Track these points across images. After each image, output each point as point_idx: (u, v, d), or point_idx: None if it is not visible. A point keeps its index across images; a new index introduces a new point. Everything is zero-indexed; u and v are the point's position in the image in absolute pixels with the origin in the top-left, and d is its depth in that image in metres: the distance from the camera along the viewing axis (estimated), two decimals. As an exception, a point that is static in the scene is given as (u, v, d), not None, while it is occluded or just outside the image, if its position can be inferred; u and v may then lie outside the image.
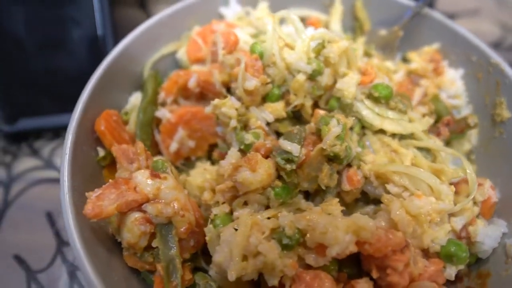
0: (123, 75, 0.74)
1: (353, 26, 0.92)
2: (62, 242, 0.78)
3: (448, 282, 0.62)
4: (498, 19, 1.29)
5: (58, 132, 0.97)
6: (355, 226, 0.48)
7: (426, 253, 0.54)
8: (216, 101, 0.63)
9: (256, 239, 0.50)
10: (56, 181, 0.89)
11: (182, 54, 0.83)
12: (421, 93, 0.79)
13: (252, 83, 0.61)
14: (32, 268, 0.75)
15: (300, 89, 0.65)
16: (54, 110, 0.93)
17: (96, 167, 0.65)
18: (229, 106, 0.63)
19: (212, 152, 0.74)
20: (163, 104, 0.74)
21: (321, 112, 0.61)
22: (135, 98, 0.75)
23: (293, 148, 0.54)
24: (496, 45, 1.22)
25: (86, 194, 0.53)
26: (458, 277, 0.63)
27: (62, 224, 0.81)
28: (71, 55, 0.94)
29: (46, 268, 0.75)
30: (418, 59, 0.81)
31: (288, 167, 0.54)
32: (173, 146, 0.72)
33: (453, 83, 0.79)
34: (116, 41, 0.96)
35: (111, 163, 0.67)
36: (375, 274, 0.50)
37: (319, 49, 0.66)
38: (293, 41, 0.68)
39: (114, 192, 0.53)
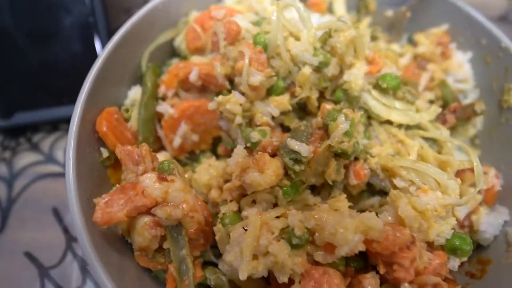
0: (120, 68, 0.71)
1: (358, 5, 0.87)
2: (71, 238, 0.80)
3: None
4: (506, -11, 1.23)
5: (56, 124, 0.95)
6: (363, 226, 0.49)
7: (431, 245, 0.55)
8: (220, 97, 0.61)
9: (266, 239, 0.51)
10: (59, 175, 0.89)
11: (180, 42, 0.79)
12: (428, 78, 0.77)
13: (257, 78, 0.59)
14: (44, 265, 0.77)
15: (306, 81, 0.63)
16: (50, 103, 0.91)
17: (101, 168, 0.65)
18: (233, 103, 0.61)
19: (216, 144, 0.73)
20: (164, 98, 0.72)
21: (327, 106, 0.60)
22: (135, 93, 0.73)
23: (301, 148, 0.53)
24: (503, 18, 1.18)
25: (94, 200, 0.53)
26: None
27: (69, 220, 0.82)
28: (63, 45, 0.90)
29: (58, 264, 0.77)
30: (426, 42, 0.79)
31: (297, 168, 0.54)
32: (177, 141, 0.71)
33: (461, 67, 0.77)
34: (109, 27, 0.92)
35: (115, 162, 0.66)
36: (382, 270, 0.51)
37: (325, 38, 0.63)
38: (298, 30, 0.65)
39: (122, 197, 0.52)
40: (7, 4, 0.87)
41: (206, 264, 0.63)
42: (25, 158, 0.91)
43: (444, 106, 0.75)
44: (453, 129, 0.77)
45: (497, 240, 0.64)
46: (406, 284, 0.51)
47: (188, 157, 0.74)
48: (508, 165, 0.69)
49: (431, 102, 0.76)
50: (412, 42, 0.83)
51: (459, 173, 0.65)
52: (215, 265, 0.62)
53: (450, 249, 0.55)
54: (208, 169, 0.64)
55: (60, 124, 0.95)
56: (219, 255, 0.61)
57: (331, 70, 0.64)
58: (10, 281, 0.75)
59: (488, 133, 0.75)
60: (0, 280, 0.76)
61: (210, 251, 0.64)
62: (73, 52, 0.91)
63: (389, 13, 0.81)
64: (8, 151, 0.92)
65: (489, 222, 0.63)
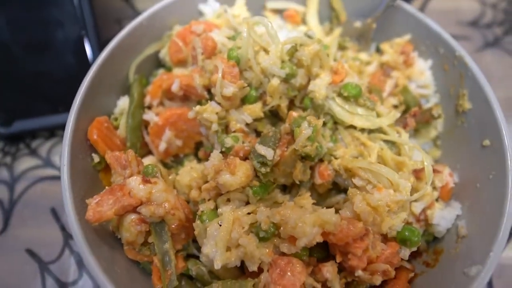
0: (110, 80, 0.78)
1: (330, 16, 0.94)
2: (68, 235, 0.87)
3: (409, 256, 0.72)
4: (478, -5, 1.30)
5: (53, 131, 1.02)
6: (320, 221, 0.56)
7: (385, 237, 0.62)
8: (198, 107, 0.68)
9: (237, 233, 0.58)
10: (56, 178, 0.96)
11: (164, 54, 0.86)
12: (392, 84, 0.84)
13: (230, 90, 0.66)
14: (44, 260, 0.84)
15: (275, 91, 0.70)
16: (46, 111, 0.98)
17: (93, 171, 0.72)
18: (210, 112, 0.68)
19: (198, 148, 0.80)
20: (150, 107, 0.79)
21: (294, 114, 0.67)
22: (123, 102, 0.80)
23: (267, 153, 0.60)
24: (475, 23, 1.24)
25: (86, 201, 0.60)
26: (418, 252, 0.73)
27: (66, 219, 0.89)
28: (57, 57, 0.97)
29: (56, 259, 0.84)
30: (390, 51, 0.86)
31: (263, 170, 0.61)
32: (162, 146, 0.78)
33: (422, 74, 0.84)
34: (100, 38, 0.98)
35: (106, 167, 0.73)
36: (338, 259, 0.59)
37: (292, 52, 0.70)
38: (268, 44, 0.72)
39: (111, 198, 0.59)
40: (5, 20, 0.94)
41: (189, 256, 0.70)
42: (25, 163, 0.98)
43: (407, 110, 0.82)
44: (416, 131, 0.85)
45: (450, 232, 0.71)
46: (360, 271, 0.58)
47: (173, 160, 0.81)
48: (463, 164, 0.76)
49: (395, 106, 0.82)
50: (379, 51, 0.89)
51: (417, 172, 0.72)
52: (197, 257, 0.69)
53: (401, 240, 0.62)
54: (189, 172, 0.71)
55: (56, 131, 1.02)
56: (200, 249, 0.68)
57: (299, 80, 0.71)
58: (13, 275, 0.83)
59: (448, 135, 0.82)
60: (4, 275, 0.83)
61: (192, 245, 0.71)
62: (66, 63, 0.97)
63: (358, 24, 0.88)
64: (9, 156, 0.99)
65: (442, 216, 0.70)
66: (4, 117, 0.97)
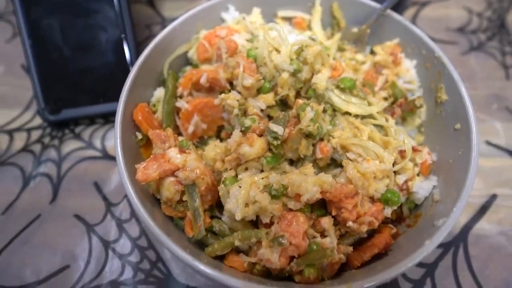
0: (148, 74, 0.95)
1: (331, 23, 1.11)
2: (109, 204, 1.03)
3: (395, 222, 0.87)
4: (465, 4, 1.46)
5: (93, 119, 1.19)
6: (320, 181, 0.72)
7: (372, 198, 0.78)
8: (223, 95, 0.85)
9: (254, 192, 0.74)
10: (97, 158, 1.12)
11: (192, 53, 1.03)
12: (383, 80, 1.00)
13: (248, 81, 0.83)
14: (90, 223, 1.00)
15: (285, 83, 0.86)
16: (89, 102, 1.15)
17: (136, 147, 0.89)
18: (232, 99, 0.85)
19: (220, 132, 0.97)
20: (181, 96, 0.96)
21: (300, 101, 0.83)
22: (159, 92, 0.96)
23: (278, 129, 0.76)
24: (462, 29, 1.40)
25: (136, 166, 0.76)
26: (402, 218, 0.88)
27: (107, 190, 1.05)
28: (100, 56, 1.14)
29: (100, 222, 1.00)
30: (382, 52, 1.01)
31: (275, 142, 0.77)
32: (190, 129, 0.94)
33: (408, 71, 1.00)
34: (136, 41, 1.16)
35: (146, 144, 0.90)
36: (333, 212, 0.74)
37: (299, 52, 0.86)
38: (279, 45, 0.88)
39: (155, 163, 0.76)
40: (58, 25, 1.12)
41: (212, 218, 0.86)
42: (70, 145, 1.14)
43: (395, 101, 0.97)
44: (404, 120, 1.00)
45: (427, 199, 0.86)
46: (350, 222, 0.73)
47: (199, 141, 0.98)
48: (442, 146, 0.91)
49: (385, 99, 0.98)
50: (372, 53, 1.06)
51: (402, 152, 0.88)
52: (220, 219, 0.85)
53: (384, 200, 0.77)
54: (214, 148, 0.87)
55: (96, 119, 1.19)
56: (222, 213, 0.84)
57: (304, 74, 0.87)
58: (64, 236, 0.99)
59: (429, 122, 0.97)
60: (56, 236, 0.99)
61: (216, 209, 0.87)
62: (107, 61, 1.14)
63: (355, 30, 1.04)
64: (57, 139, 1.16)
65: (421, 187, 0.85)
66: (54, 107, 1.14)
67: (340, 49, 1.03)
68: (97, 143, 1.14)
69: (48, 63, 1.12)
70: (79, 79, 1.14)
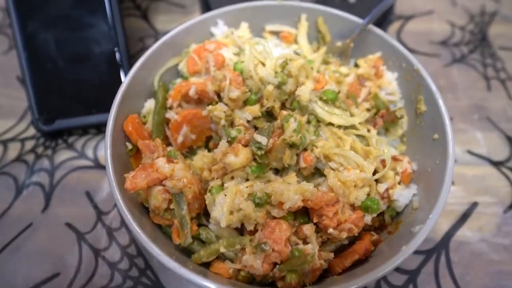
0: (139, 86, 0.99)
1: (317, 37, 1.15)
2: (100, 212, 1.05)
3: (378, 229, 0.90)
4: (448, 19, 1.52)
5: (86, 129, 1.22)
6: (301, 190, 0.75)
7: (353, 206, 0.80)
8: (210, 106, 0.88)
9: (239, 200, 0.77)
10: (89, 167, 1.14)
11: (182, 66, 1.07)
12: (366, 92, 1.03)
13: (235, 93, 0.86)
14: (80, 231, 1.02)
15: (270, 95, 0.90)
16: (82, 112, 1.17)
17: (126, 157, 0.91)
18: (219, 110, 0.88)
19: (208, 142, 1.00)
20: (171, 108, 0.99)
21: (284, 112, 0.86)
22: (149, 104, 1.00)
23: (262, 140, 0.79)
24: (445, 42, 1.45)
25: (125, 175, 0.79)
26: (384, 225, 0.91)
27: (98, 199, 1.08)
28: (93, 68, 1.17)
29: (91, 230, 1.02)
30: (365, 65, 1.06)
31: (259, 152, 0.80)
32: (180, 139, 0.97)
33: (390, 83, 1.04)
34: (129, 54, 1.20)
35: (136, 154, 0.93)
36: (315, 220, 0.77)
37: (284, 65, 0.90)
38: (265, 58, 0.92)
39: (143, 173, 0.78)
40: (53, 38, 1.15)
41: (200, 226, 0.88)
42: (63, 154, 1.16)
43: (377, 112, 1.01)
44: (387, 131, 1.04)
45: (407, 207, 0.89)
46: (331, 229, 0.76)
47: (188, 151, 1.01)
48: (421, 155, 0.94)
49: (368, 110, 1.02)
50: (356, 65, 1.10)
51: (383, 162, 0.91)
52: (207, 226, 0.87)
53: (364, 208, 0.80)
54: (202, 157, 0.90)
55: (89, 129, 1.22)
56: (209, 220, 0.86)
57: (289, 87, 0.91)
58: (55, 244, 1.01)
59: (410, 132, 1.01)
60: (47, 243, 1.01)
61: (203, 217, 0.89)
62: (100, 73, 1.18)
63: (339, 44, 1.09)
64: (50, 149, 1.18)
65: (401, 195, 0.88)
66: (47, 117, 1.17)
67: (325, 62, 1.07)
68: (90, 153, 1.17)
69: (43, 75, 1.15)
70: (73, 90, 1.17)
